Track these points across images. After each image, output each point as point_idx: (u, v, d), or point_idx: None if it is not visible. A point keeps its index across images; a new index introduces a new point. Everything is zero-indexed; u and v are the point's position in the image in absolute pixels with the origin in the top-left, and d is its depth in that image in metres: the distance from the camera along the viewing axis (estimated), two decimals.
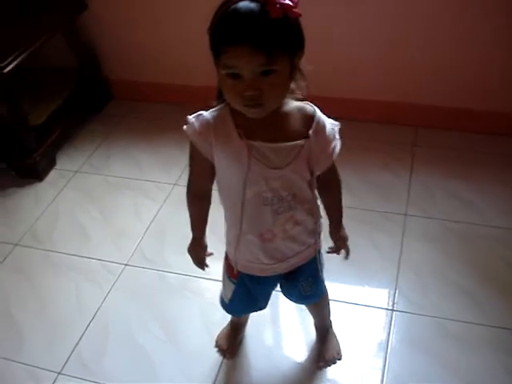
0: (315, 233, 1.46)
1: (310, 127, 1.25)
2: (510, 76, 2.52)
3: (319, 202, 1.45)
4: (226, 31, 1.08)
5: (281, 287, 1.62)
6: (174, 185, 2.53)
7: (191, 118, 1.27)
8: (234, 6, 1.07)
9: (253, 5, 1.06)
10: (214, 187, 1.40)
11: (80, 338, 1.97)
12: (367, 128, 2.73)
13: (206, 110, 1.28)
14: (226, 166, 1.28)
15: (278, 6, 1.05)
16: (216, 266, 2.13)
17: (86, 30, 2.92)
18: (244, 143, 1.22)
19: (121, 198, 2.53)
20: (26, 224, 2.44)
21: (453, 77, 2.58)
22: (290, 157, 1.25)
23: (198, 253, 1.57)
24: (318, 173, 1.34)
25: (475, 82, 2.57)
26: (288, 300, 1.68)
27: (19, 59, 2.40)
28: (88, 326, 2.01)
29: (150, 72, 3.02)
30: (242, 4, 1.07)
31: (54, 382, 1.85)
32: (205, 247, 1.57)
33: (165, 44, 2.88)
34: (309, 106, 1.28)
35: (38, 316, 2.07)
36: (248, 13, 1.06)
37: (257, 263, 1.44)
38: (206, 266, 1.60)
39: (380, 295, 2.03)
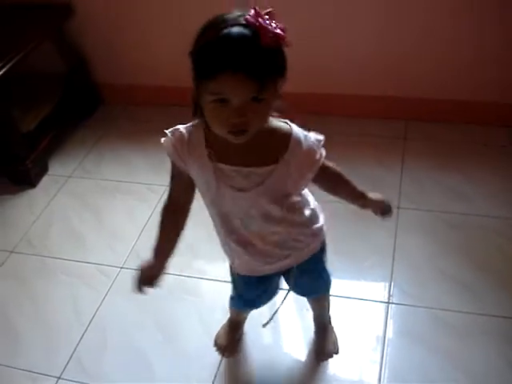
0: (310, 238, 1.46)
1: (286, 147, 1.21)
2: (500, 67, 2.53)
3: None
4: (219, 58, 1.04)
5: (285, 281, 1.60)
6: (167, 186, 2.51)
7: (168, 132, 1.27)
8: (225, 31, 1.04)
9: (246, 31, 1.04)
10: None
11: (78, 342, 1.97)
12: (357, 123, 2.74)
13: (184, 123, 1.28)
14: (198, 182, 1.29)
15: (271, 35, 1.04)
16: (212, 266, 2.15)
17: (74, 35, 2.91)
18: (211, 165, 1.22)
19: (114, 202, 2.54)
20: (21, 230, 2.44)
21: (441, 69, 2.59)
22: (259, 180, 1.23)
23: (148, 274, 1.49)
24: (302, 188, 1.35)
25: (465, 73, 2.58)
26: (289, 294, 1.67)
27: (7, 67, 2.40)
28: (86, 329, 2.01)
29: (140, 75, 3.02)
30: (234, 30, 1.04)
31: None
32: (158, 274, 1.49)
33: (153, 46, 2.89)
34: (284, 126, 1.24)
35: (36, 321, 2.07)
36: (241, 39, 1.04)
37: (246, 266, 1.45)
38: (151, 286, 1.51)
39: (376, 288, 2.04)
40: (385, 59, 2.63)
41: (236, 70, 1.02)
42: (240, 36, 1.04)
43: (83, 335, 1.99)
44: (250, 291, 1.61)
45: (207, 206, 1.35)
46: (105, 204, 2.53)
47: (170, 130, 1.27)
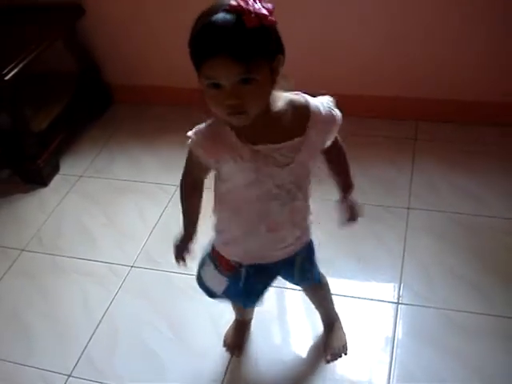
0: (308, 218, 1.49)
1: (307, 118, 1.27)
2: (510, 66, 2.52)
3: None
4: (204, 43, 1.10)
5: (281, 273, 1.62)
6: (178, 186, 2.52)
7: (191, 134, 1.28)
8: (210, 19, 1.09)
9: (228, 16, 1.08)
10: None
11: (89, 341, 1.98)
12: (367, 123, 2.73)
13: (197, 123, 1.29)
14: (233, 172, 1.30)
15: (253, 15, 1.07)
16: None
17: (85, 35, 2.94)
18: (246, 148, 1.24)
19: (125, 201, 2.55)
20: (32, 229, 2.46)
21: (452, 69, 2.58)
22: (293, 153, 1.27)
23: (183, 248, 1.57)
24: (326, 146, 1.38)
25: (474, 73, 2.57)
26: (297, 290, 1.73)
27: (20, 66, 2.42)
28: (96, 328, 2.02)
29: (150, 75, 3.04)
30: (217, 16, 1.09)
31: None
32: (190, 246, 1.57)
33: (164, 46, 2.90)
34: (299, 97, 1.29)
35: (47, 320, 2.08)
36: (224, 24, 1.08)
37: (260, 253, 1.48)
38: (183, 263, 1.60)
39: (385, 289, 2.04)
40: (395, 59, 2.62)
41: (219, 53, 1.07)
42: (222, 20, 1.08)
43: (94, 333, 2.01)
44: (254, 285, 1.58)
45: (233, 198, 1.37)
46: (115, 203, 2.55)
47: (192, 132, 1.28)
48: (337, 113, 1.33)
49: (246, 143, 1.24)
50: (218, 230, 1.49)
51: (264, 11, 1.08)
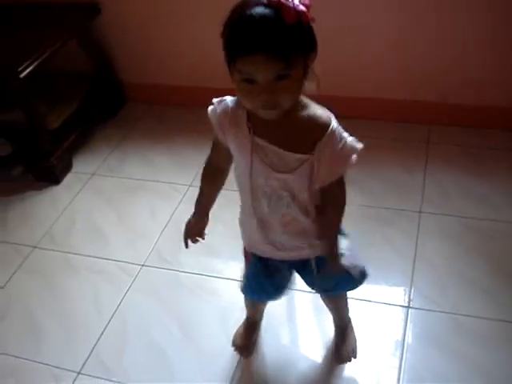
0: (309, 237, 1.45)
1: (319, 139, 1.22)
2: None
3: None
4: (242, 39, 1.08)
5: (300, 276, 1.62)
6: (190, 186, 2.54)
7: (215, 101, 1.32)
8: (248, 12, 1.08)
9: (267, 11, 1.07)
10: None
11: (99, 338, 1.99)
12: (380, 126, 2.73)
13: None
14: (234, 154, 1.34)
15: (292, 12, 1.06)
16: (231, 266, 2.16)
17: (100, 34, 2.95)
18: (249, 138, 1.26)
19: (137, 200, 2.56)
20: (44, 227, 2.48)
21: (464, 73, 2.57)
22: (293, 166, 1.26)
23: (192, 228, 1.58)
24: (317, 186, 1.30)
25: (488, 77, 2.56)
26: (307, 292, 1.72)
27: (35, 64, 2.43)
28: (106, 326, 2.03)
29: (165, 75, 3.04)
30: (256, 10, 1.07)
31: (74, 381, 1.88)
32: (201, 228, 1.58)
33: (178, 47, 2.90)
34: (325, 117, 1.24)
35: (57, 317, 2.10)
36: (264, 19, 1.07)
37: (258, 245, 1.48)
38: (197, 240, 1.60)
39: (396, 292, 2.04)
40: (410, 62, 2.61)
41: (257, 51, 1.06)
42: (261, 15, 1.07)
43: (103, 331, 2.01)
44: (258, 277, 1.59)
45: (237, 179, 1.39)
46: (128, 202, 2.56)
47: (217, 99, 1.32)
48: (351, 157, 1.26)
49: (251, 131, 1.25)
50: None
51: (302, 7, 1.08)
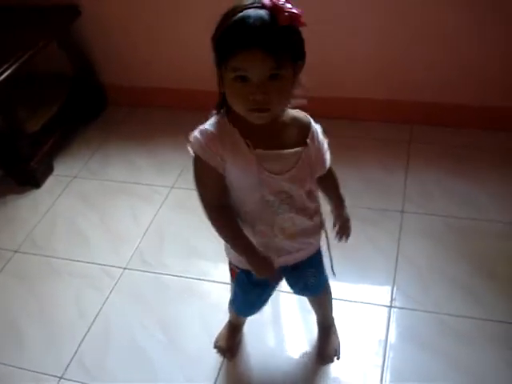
0: (317, 232, 1.49)
1: (306, 136, 1.32)
2: (507, 70, 2.52)
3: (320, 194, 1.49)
4: (238, 36, 1.11)
5: (286, 278, 1.60)
6: (171, 188, 2.54)
7: (195, 133, 1.27)
8: (243, 13, 1.12)
9: (262, 12, 1.11)
10: None
11: (81, 342, 1.98)
12: (362, 126, 2.74)
13: (204, 123, 1.29)
14: (235, 173, 1.29)
15: (286, 14, 1.11)
16: (214, 267, 2.16)
17: (81, 36, 2.93)
18: (252, 153, 1.26)
19: (118, 203, 2.55)
20: (25, 230, 2.46)
21: (447, 72, 2.58)
22: (292, 163, 1.31)
23: (270, 264, 1.40)
24: (316, 176, 1.41)
25: (470, 76, 2.57)
26: (292, 293, 1.71)
27: (13, 68, 2.41)
28: (89, 330, 2.02)
29: (147, 77, 3.03)
30: (251, 11, 1.12)
31: None
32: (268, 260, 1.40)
33: (159, 49, 2.89)
34: (303, 116, 1.34)
35: (39, 321, 2.08)
36: (258, 19, 1.11)
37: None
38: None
39: (378, 292, 2.04)
40: (390, 62, 2.62)
41: (253, 46, 1.10)
42: (256, 15, 1.11)
43: (86, 335, 2.00)
44: (252, 290, 1.58)
45: (236, 198, 1.34)
46: (109, 205, 2.54)
47: (195, 131, 1.27)
48: (328, 155, 1.41)
49: (250, 146, 1.25)
50: None
51: (295, 10, 1.12)
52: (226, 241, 1.41)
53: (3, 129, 2.61)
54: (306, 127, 1.33)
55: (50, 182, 2.72)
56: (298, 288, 1.68)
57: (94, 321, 2.04)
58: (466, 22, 2.44)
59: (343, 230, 1.59)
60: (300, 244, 1.47)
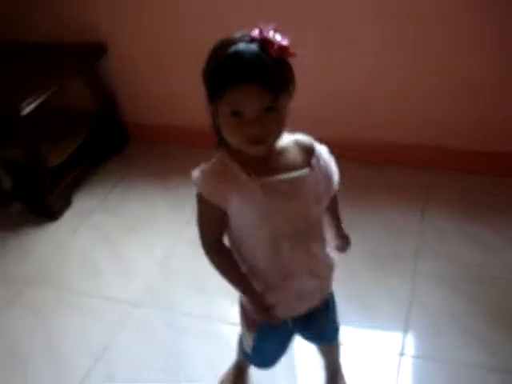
0: (331, 265, 1.45)
1: (310, 157, 1.29)
2: None
3: None
4: (234, 71, 1.11)
5: (296, 328, 1.55)
6: (188, 223, 2.54)
7: (196, 173, 1.26)
8: (235, 48, 1.12)
9: (253, 46, 1.12)
10: None
11: (84, 377, 1.96)
12: (379, 170, 2.71)
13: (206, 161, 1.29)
14: (241, 210, 1.25)
15: (275, 46, 1.11)
16: (226, 307, 2.13)
17: (105, 73, 2.99)
18: (256, 183, 1.23)
19: (133, 238, 2.55)
20: (39, 262, 2.47)
21: (469, 119, 2.57)
22: (298, 186, 1.27)
23: (266, 305, 1.38)
24: (326, 202, 1.36)
25: (491, 123, 2.55)
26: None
27: (37, 102, 2.46)
28: (94, 365, 2.00)
29: (169, 116, 3.06)
30: (242, 45, 1.12)
31: None
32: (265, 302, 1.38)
33: (181, 88, 2.93)
34: (305, 137, 1.32)
35: (45, 353, 2.07)
36: (253, 53, 1.11)
37: (282, 305, 1.39)
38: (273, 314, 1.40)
39: (389, 338, 2.00)
40: (410, 107, 2.62)
41: (248, 81, 1.10)
42: (249, 49, 1.11)
43: (91, 370, 1.98)
44: (270, 345, 1.53)
45: (246, 240, 1.31)
46: (125, 240, 2.55)
47: (196, 172, 1.26)
48: (336, 173, 1.37)
49: (253, 177, 1.23)
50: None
51: (285, 43, 1.13)
52: (225, 278, 1.37)
53: (25, 162, 2.66)
54: (310, 149, 1.30)
55: (67, 215, 2.74)
56: (313, 337, 1.63)
57: (100, 356, 2.03)
58: (492, 65, 2.42)
59: (346, 246, 1.50)
60: (320, 280, 1.41)
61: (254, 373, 1.88)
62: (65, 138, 2.88)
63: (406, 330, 2.00)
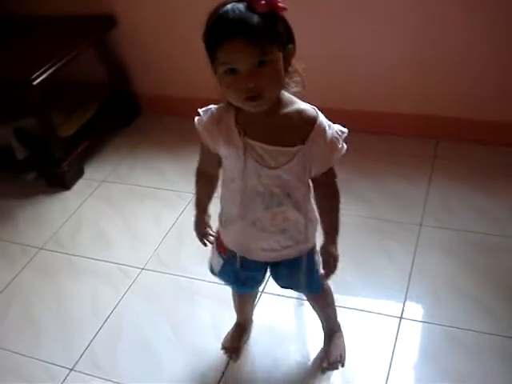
0: (307, 232, 1.48)
1: (309, 132, 1.28)
2: None
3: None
4: (219, 29, 1.17)
5: (270, 272, 1.63)
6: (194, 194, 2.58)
7: (201, 111, 1.38)
8: (223, 9, 1.18)
9: (239, 5, 1.17)
10: None
11: (94, 337, 2.03)
12: (387, 140, 2.73)
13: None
14: (226, 158, 1.38)
15: (262, 1, 1.15)
16: None
17: (116, 45, 3.03)
18: (241, 141, 1.30)
19: (142, 206, 2.61)
20: (51, 229, 2.54)
21: (476, 88, 2.57)
22: (284, 160, 1.31)
23: (200, 228, 1.65)
24: (312, 175, 1.37)
25: (499, 93, 2.55)
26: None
27: (49, 72, 2.51)
28: (102, 325, 2.07)
29: (179, 86, 3.09)
30: (229, 6, 1.17)
31: (66, 377, 1.91)
32: (206, 224, 1.65)
33: (192, 59, 2.91)
34: (311, 110, 1.31)
35: (55, 315, 2.14)
36: (236, 11, 1.16)
37: (244, 246, 1.51)
38: (210, 242, 1.65)
39: (389, 303, 2.03)
40: (417, 76, 2.63)
41: (235, 35, 1.14)
42: (234, 8, 1.16)
43: (99, 331, 2.05)
44: (234, 271, 1.59)
45: (227, 182, 1.43)
46: (133, 208, 2.61)
47: (203, 109, 1.38)
48: (342, 145, 1.33)
49: (243, 134, 1.29)
50: (220, 211, 1.54)
51: None
52: None
53: (38, 131, 2.72)
54: (311, 123, 1.28)
55: (79, 184, 2.81)
56: (281, 283, 1.66)
57: (107, 317, 2.09)
58: (500, 40, 2.43)
59: (326, 266, 1.49)
60: (287, 240, 1.46)
61: (262, 337, 1.95)
62: (77, 108, 2.94)
63: (406, 295, 2.03)
